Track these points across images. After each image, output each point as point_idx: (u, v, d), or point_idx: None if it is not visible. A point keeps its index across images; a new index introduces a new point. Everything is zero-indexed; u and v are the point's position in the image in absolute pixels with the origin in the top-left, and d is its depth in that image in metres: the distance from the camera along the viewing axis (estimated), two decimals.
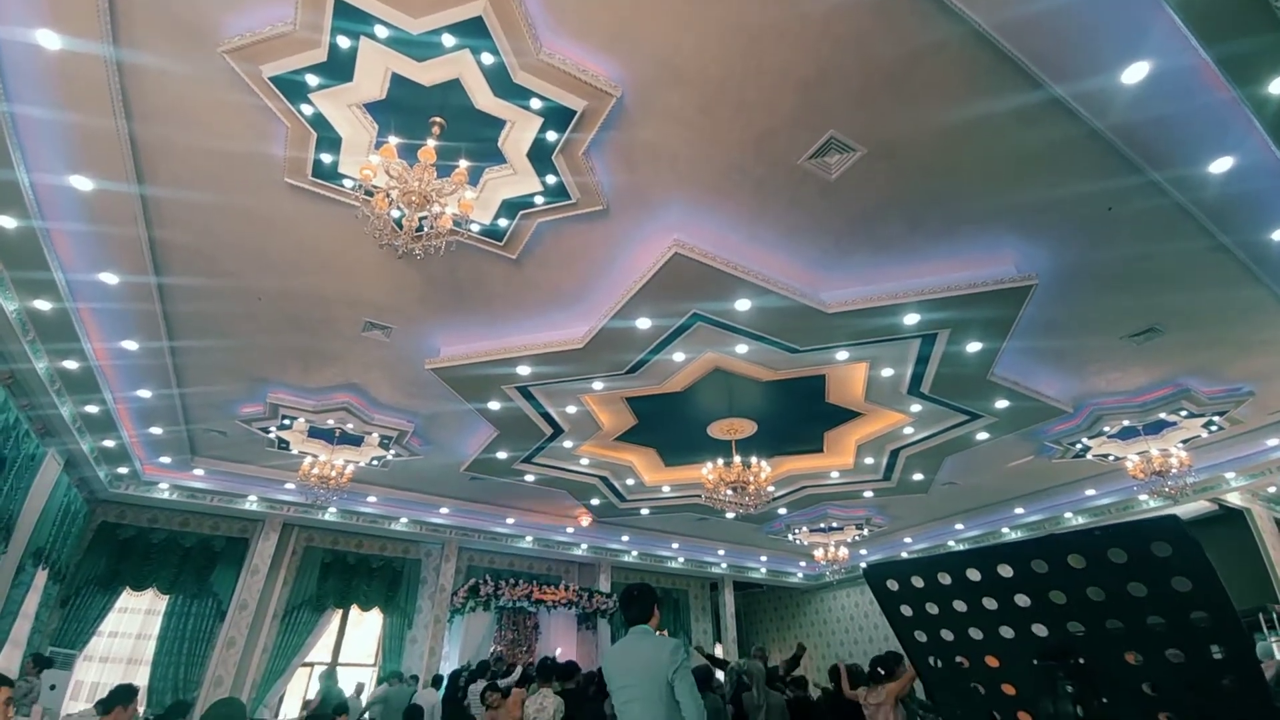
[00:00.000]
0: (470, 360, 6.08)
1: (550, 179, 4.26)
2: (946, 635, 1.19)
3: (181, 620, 9.24)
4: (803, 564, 14.51)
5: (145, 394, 6.76)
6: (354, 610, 10.66)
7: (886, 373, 6.47)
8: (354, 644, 10.77)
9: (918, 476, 9.18)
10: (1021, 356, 6.19)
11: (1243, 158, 3.83)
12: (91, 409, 6.73)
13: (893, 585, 1.25)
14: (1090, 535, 0.96)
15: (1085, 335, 5.89)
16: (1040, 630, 1.06)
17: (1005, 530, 11.31)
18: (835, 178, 4.19)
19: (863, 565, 13.61)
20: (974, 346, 5.82)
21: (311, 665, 10.20)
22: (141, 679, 8.62)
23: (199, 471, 8.93)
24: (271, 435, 7.80)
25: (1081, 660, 1.02)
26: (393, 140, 3.72)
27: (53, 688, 7.17)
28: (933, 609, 1.20)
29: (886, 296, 5.16)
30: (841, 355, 6.10)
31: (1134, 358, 6.26)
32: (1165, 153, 3.85)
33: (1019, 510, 10.72)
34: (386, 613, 10.77)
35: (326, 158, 4.11)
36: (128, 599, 9.17)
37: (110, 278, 4.99)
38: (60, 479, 7.40)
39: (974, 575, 1.12)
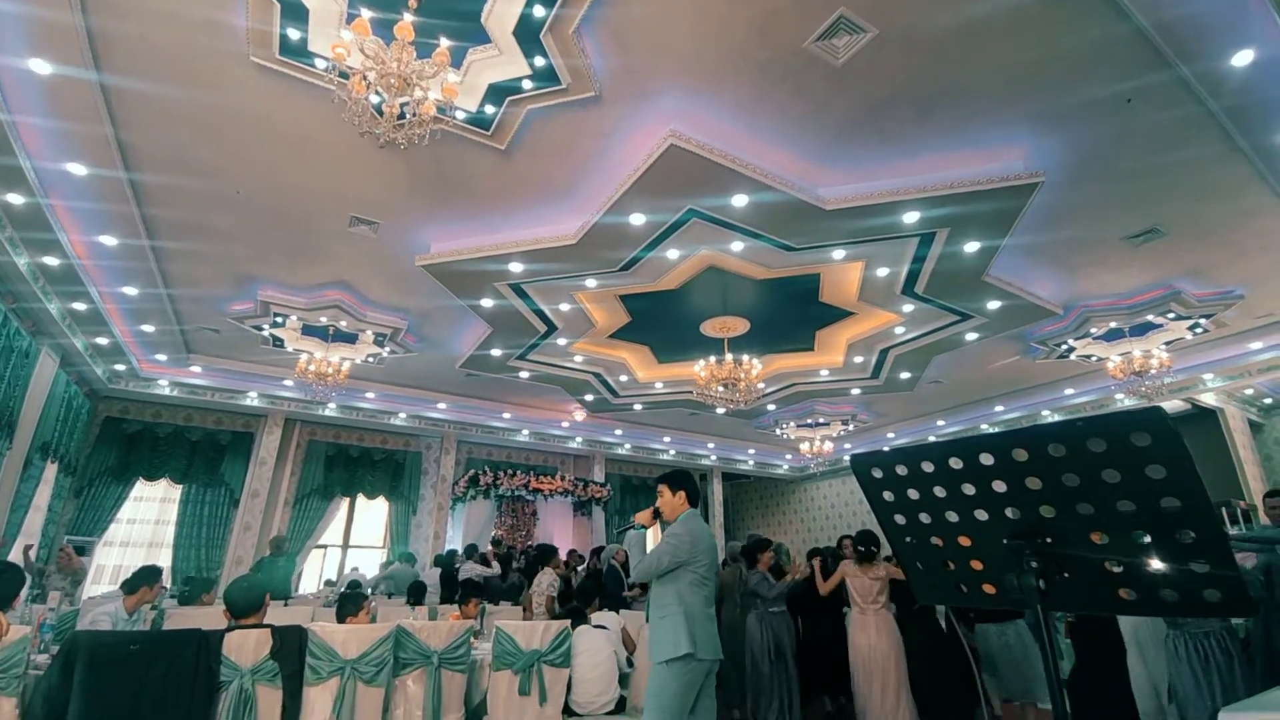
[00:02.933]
0: (461, 257, 5.97)
1: (539, 61, 3.98)
2: (924, 518, 1.27)
3: (197, 507, 9.70)
4: (789, 457, 15.17)
5: (131, 291, 6.66)
6: (361, 498, 11.21)
7: (881, 272, 6.43)
8: (363, 528, 11.41)
9: (905, 375, 9.40)
10: (1016, 257, 6.15)
11: (1262, 51, 3.64)
12: (79, 306, 6.66)
13: (877, 473, 1.32)
14: (1072, 425, 1.00)
15: (1084, 235, 5.82)
16: (1013, 514, 1.13)
17: (984, 427, 11.76)
18: (843, 63, 3.93)
19: (847, 458, 14.27)
20: (972, 246, 5.75)
21: (325, 548, 10.87)
22: (164, 561, 9.16)
23: (197, 369, 8.99)
24: (265, 333, 7.80)
25: (1049, 540, 1.10)
26: (365, 14, 3.42)
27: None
28: (913, 494, 1.27)
29: (887, 193, 5.02)
30: (838, 254, 6.03)
31: (1131, 259, 6.23)
32: (1192, 45, 3.64)
33: (999, 408, 11.10)
34: (391, 500, 11.35)
35: (294, 33, 3.79)
36: (143, 488, 9.55)
37: (78, 168, 4.75)
38: (58, 375, 7.45)
39: (956, 463, 1.17)
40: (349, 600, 3.65)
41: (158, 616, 4.68)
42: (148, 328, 7.63)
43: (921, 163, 4.85)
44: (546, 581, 6.78)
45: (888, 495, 1.31)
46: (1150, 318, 7.40)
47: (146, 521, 9.61)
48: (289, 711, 2.95)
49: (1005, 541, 1.15)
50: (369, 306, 7.31)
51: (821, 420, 11.87)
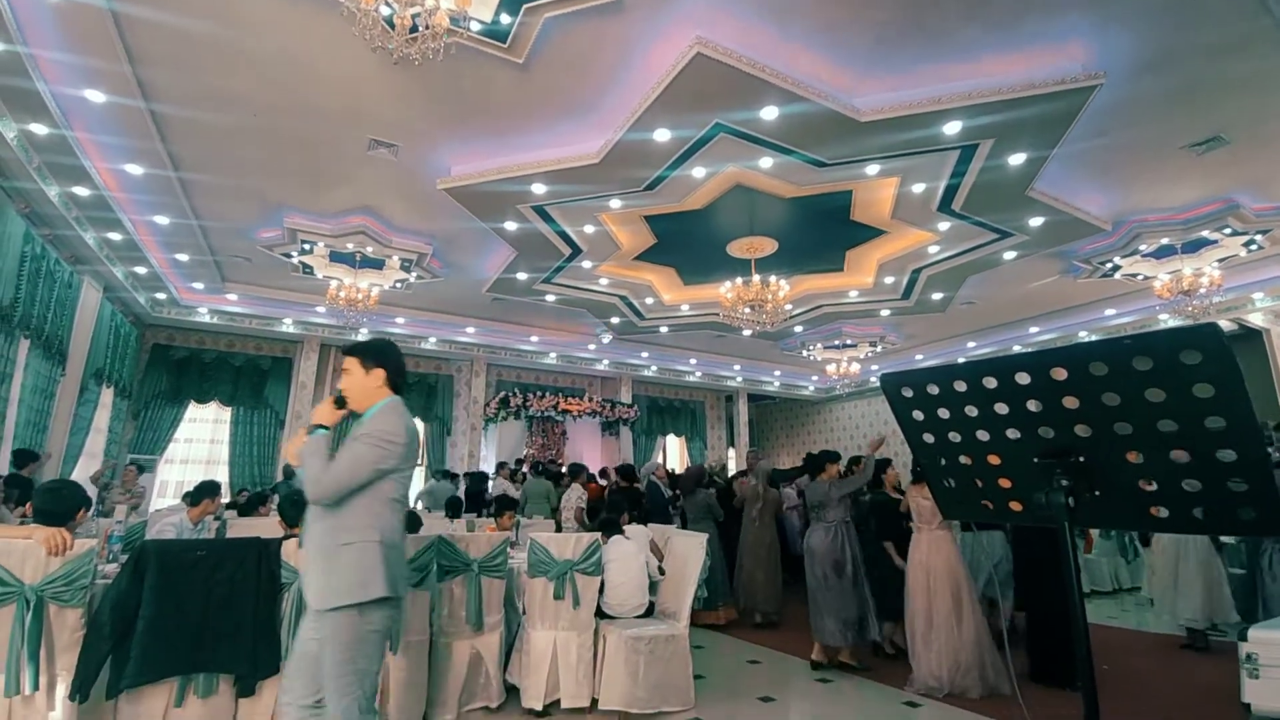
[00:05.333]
0: (482, 179, 5.87)
1: None
2: (954, 437, 1.27)
3: (247, 428, 10.27)
4: (815, 378, 15.18)
5: (163, 220, 6.74)
6: None
7: (917, 188, 6.15)
8: None
9: (937, 296, 9.17)
10: (1064, 170, 5.80)
11: None
12: (114, 236, 6.78)
13: (907, 392, 1.31)
14: (1119, 343, 0.97)
15: (1141, 144, 5.43)
16: (1047, 433, 1.12)
17: (1016, 348, 11.54)
18: None
19: (873, 379, 14.23)
20: (1018, 159, 5.44)
21: None
22: (222, 477, 9.79)
23: (233, 296, 9.21)
24: (294, 260, 7.88)
25: (1082, 459, 1.09)
26: None
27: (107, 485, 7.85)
28: (944, 414, 1.27)
29: (929, 102, 4.71)
30: (872, 169, 5.76)
31: (1189, 170, 5.83)
32: None
33: (1033, 329, 10.83)
34: (426, 421, 11.79)
35: None
36: (196, 409, 10.10)
37: (96, 95, 4.69)
38: (103, 305, 7.72)
39: (990, 383, 1.16)
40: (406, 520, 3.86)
41: (221, 526, 5.04)
42: (182, 256, 7.77)
43: (967, 67, 4.51)
44: (575, 496, 7.09)
45: (918, 414, 1.31)
46: (1205, 233, 7.00)
47: (202, 441, 10.22)
48: None
49: (1036, 460, 1.15)
50: (394, 232, 7.30)
51: (849, 342, 11.76)
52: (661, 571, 4.19)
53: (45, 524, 2.61)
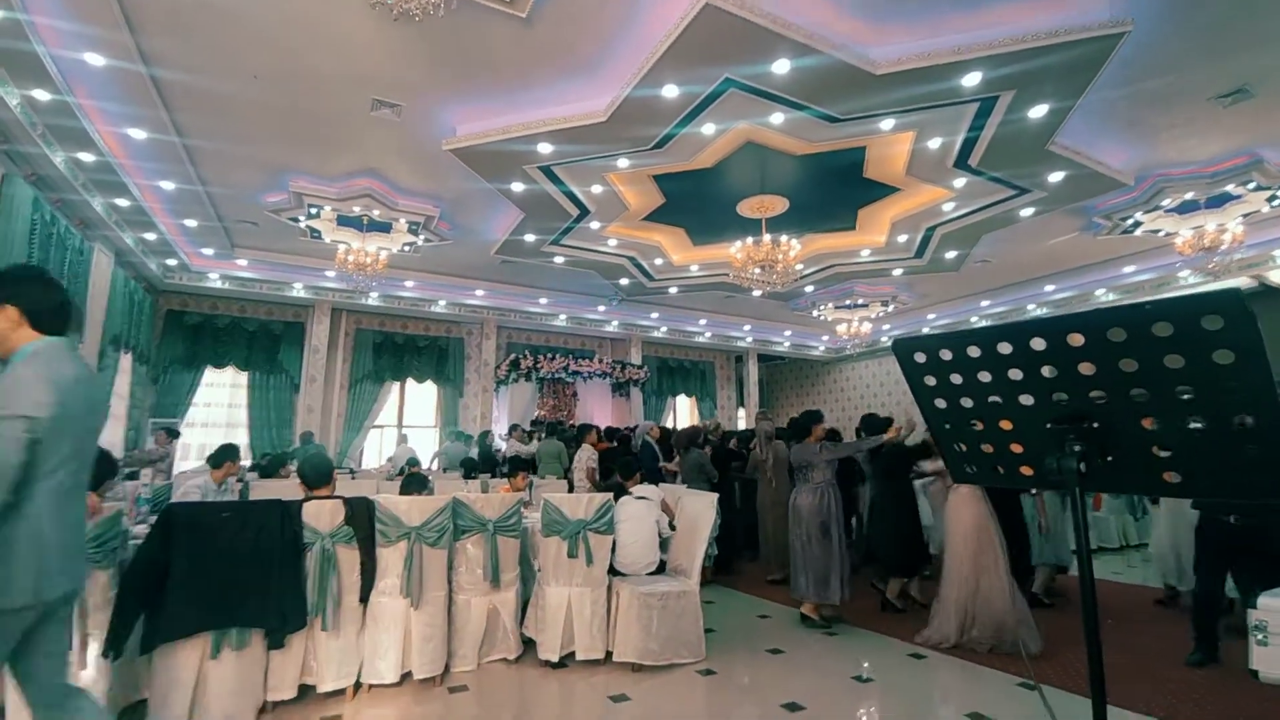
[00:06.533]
0: (488, 139, 5.76)
1: None
2: (966, 403, 1.27)
3: (263, 392, 10.43)
4: (825, 338, 15.11)
5: (168, 185, 6.71)
6: (410, 382, 11.79)
7: (933, 144, 5.98)
8: (416, 409, 12.10)
9: (951, 254, 9.02)
10: (1086, 123, 5.61)
11: None
12: (121, 202, 6.78)
13: (920, 357, 1.30)
14: (1139, 309, 0.95)
15: (1167, 95, 5.23)
16: (1060, 398, 1.12)
17: (1031, 307, 11.39)
18: None
19: (884, 339, 14.15)
20: (1038, 111, 5.26)
21: (381, 427, 11.63)
22: (241, 440, 10.00)
23: (242, 262, 9.23)
24: (302, 225, 7.85)
25: (1095, 424, 1.09)
26: None
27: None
28: (956, 379, 1.26)
29: (948, 52, 4.54)
30: (886, 124, 5.60)
31: (1215, 122, 5.63)
32: None
33: (1049, 288, 10.66)
34: (439, 384, 11.92)
35: None
36: (213, 374, 10.24)
37: (96, 59, 4.62)
38: (116, 272, 7.76)
39: (1005, 348, 1.15)
40: (413, 482, 3.94)
41: (244, 488, 5.18)
42: (190, 222, 7.76)
43: (988, 15, 4.33)
44: (586, 455, 7.19)
45: (930, 380, 1.31)
46: (1229, 188, 6.80)
47: (221, 405, 10.40)
48: (367, 568, 3.33)
49: (1049, 425, 1.15)
50: (400, 194, 7.23)
51: (860, 301, 11.66)
52: (672, 527, 4.29)
53: None
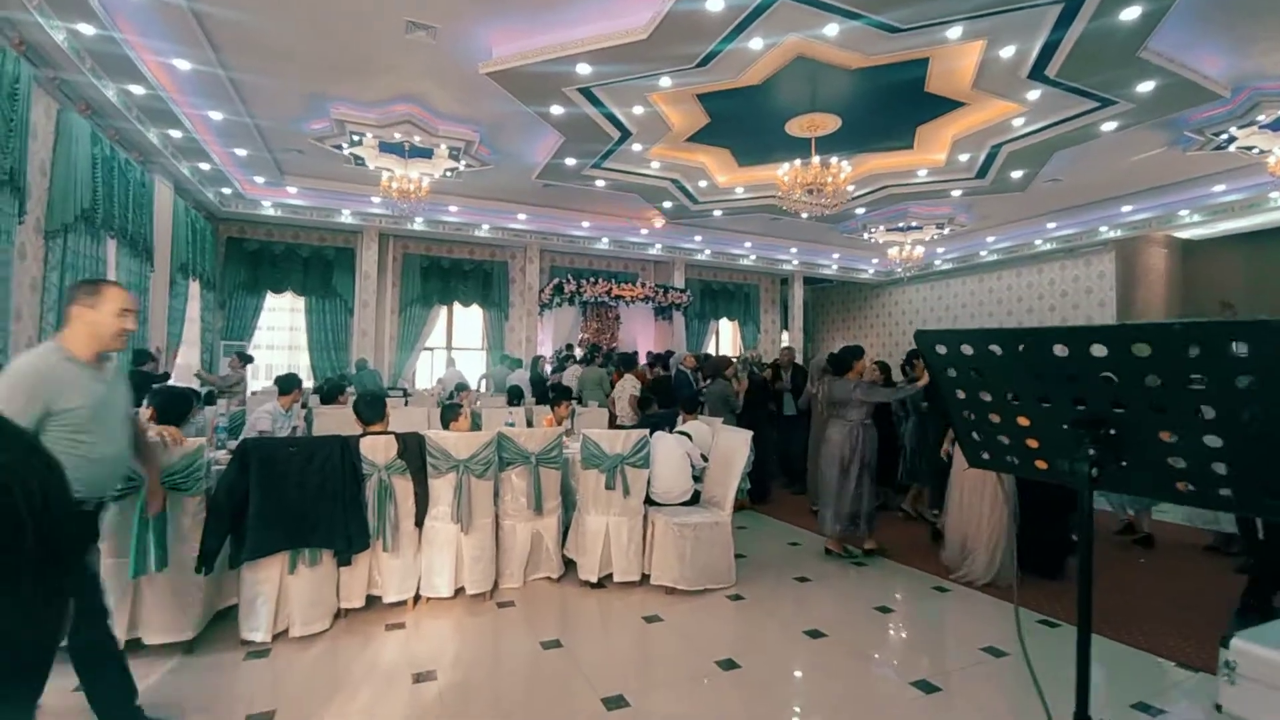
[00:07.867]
0: (525, 61, 5.57)
1: None
2: (985, 397, 1.27)
3: (320, 316, 10.94)
4: (875, 261, 14.55)
5: (217, 115, 6.80)
6: (457, 306, 12.09)
7: (1006, 53, 5.45)
8: (464, 332, 12.49)
9: (1017, 174, 8.40)
10: (1181, 28, 4.98)
11: None
12: (174, 133, 6.94)
13: (941, 349, 1.29)
14: (1168, 329, 0.93)
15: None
16: (1079, 404, 1.11)
17: (1103, 229, 10.61)
18: None
19: (938, 262, 13.52)
20: (1131, 13, 4.69)
21: (431, 349, 12.09)
22: (303, 361, 10.65)
23: (292, 189, 9.41)
24: (345, 152, 7.89)
25: (1113, 431, 1.08)
26: None
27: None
28: (976, 374, 1.25)
29: None
30: (954, 32, 5.11)
31: None
32: None
33: (1126, 208, 9.87)
34: (485, 308, 12.20)
35: None
36: (274, 299, 10.77)
37: None
38: (176, 202, 8.07)
39: (1027, 350, 1.13)
40: (448, 410, 4.18)
41: (308, 413, 5.58)
42: (240, 151, 7.91)
43: None
44: (630, 384, 7.35)
45: (951, 371, 1.30)
46: None
47: (283, 328, 10.99)
48: (420, 497, 3.61)
49: (1066, 427, 1.14)
50: (440, 119, 7.13)
51: (914, 224, 11.08)
52: (705, 459, 4.46)
53: (161, 423, 2.98)
